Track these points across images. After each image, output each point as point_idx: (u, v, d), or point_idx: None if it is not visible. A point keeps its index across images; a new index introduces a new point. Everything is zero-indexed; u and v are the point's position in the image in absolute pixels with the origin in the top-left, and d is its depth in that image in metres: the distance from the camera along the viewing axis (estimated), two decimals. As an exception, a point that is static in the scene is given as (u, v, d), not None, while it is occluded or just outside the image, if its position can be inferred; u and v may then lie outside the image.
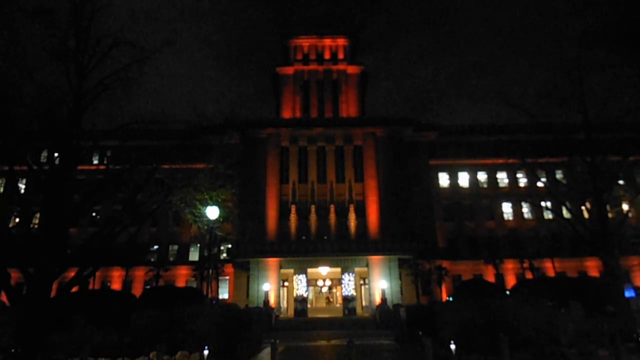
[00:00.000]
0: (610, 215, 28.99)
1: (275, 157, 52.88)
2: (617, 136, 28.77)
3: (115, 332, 20.87)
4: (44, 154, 21.35)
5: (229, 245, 50.33)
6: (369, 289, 45.84)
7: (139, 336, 20.25)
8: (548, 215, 50.36)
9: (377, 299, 43.17)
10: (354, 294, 45.54)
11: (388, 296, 43.10)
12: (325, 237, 48.79)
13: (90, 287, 45.20)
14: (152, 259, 51.08)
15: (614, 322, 21.62)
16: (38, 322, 16.34)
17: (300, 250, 45.84)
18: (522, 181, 55.69)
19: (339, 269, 46.50)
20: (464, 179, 56.57)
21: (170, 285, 46.24)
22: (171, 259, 52.14)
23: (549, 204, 38.96)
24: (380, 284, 44.18)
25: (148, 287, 46.50)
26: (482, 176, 56.56)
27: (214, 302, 33.33)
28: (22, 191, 40.52)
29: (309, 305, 46.07)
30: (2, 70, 17.47)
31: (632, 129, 33.96)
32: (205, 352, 17.30)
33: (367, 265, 46.36)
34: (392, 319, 33.91)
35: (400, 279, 46.74)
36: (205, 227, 24.15)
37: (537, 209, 52.51)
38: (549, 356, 17.50)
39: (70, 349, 18.58)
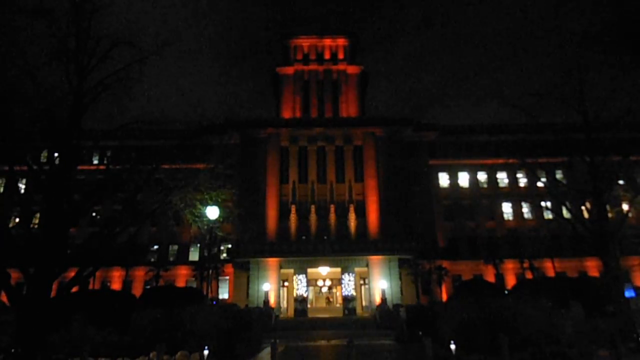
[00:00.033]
0: (610, 215, 28.95)
1: (275, 157, 52.87)
2: (617, 136, 28.72)
3: (115, 332, 20.88)
4: (44, 154, 21.33)
5: (229, 245, 50.33)
6: (369, 289, 45.85)
7: (139, 336, 20.26)
8: (548, 215, 50.33)
9: (377, 299, 43.18)
10: (354, 294, 45.56)
11: (388, 296, 43.12)
12: (325, 237, 48.79)
13: (90, 287, 45.18)
14: (152, 259, 51.10)
15: (614, 322, 21.63)
16: (38, 322, 16.34)
17: (300, 250, 45.84)
18: (522, 181, 55.70)
19: (339, 269, 46.51)
20: (464, 179, 56.57)
21: (170, 285, 46.16)
22: (171, 259, 52.15)
23: (549, 204, 38.93)
24: (380, 284, 44.18)
25: (148, 287, 46.50)
26: (482, 176, 56.56)
27: (214, 302, 33.35)
28: (22, 191, 40.65)
29: (309, 305, 46.10)
30: (2, 70, 17.45)
31: (632, 129, 33.95)
32: (205, 352, 17.31)
33: (367, 265, 46.36)
34: (392, 319, 33.93)
35: (400, 279, 46.75)
36: (205, 227, 24.21)
37: (537, 209, 52.49)
38: (549, 356, 17.50)
39: (70, 349, 18.59)
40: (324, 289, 52.05)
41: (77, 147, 19.49)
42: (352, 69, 58.55)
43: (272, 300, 43.29)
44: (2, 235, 17.29)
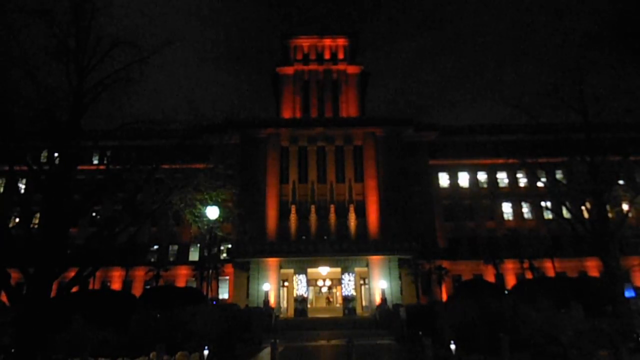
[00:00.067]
0: (610, 215, 28.97)
1: (275, 157, 52.87)
2: (617, 136, 28.76)
3: (115, 332, 20.89)
4: (44, 154, 21.33)
5: (229, 245, 50.32)
6: (369, 289, 45.85)
7: (139, 336, 20.28)
8: (548, 215, 50.34)
9: (377, 299, 43.18)
10: (354, 294, 45.56)
11: (388, 296, 43.11)
12: (325, 237, 48.79)
13: (90, 287, 45.21)
14: (152, 259, 51.09)
15: (614, 322, 21.63)
16: (38, 322, 16.33)
17: (300, 250, 45.84)
18: (522, 181, 55.70)
19: (339, 269, 46.52)
20: (464, 179, 56.57)
21: (170, 285, 46.19)
22: (171, 259, 52.14)
23: (549, 204, 38.95)
24: (380, 284, 44.19)
25: (148, 287, 46.48)
26: (482, 176, 56.55)
27: (214, 302, 33.35)
28: (22, 191, 40.64)
29: (309, 305, 46.11)
30: (2, 70, 17.45)
31: (632, 129, 33.98)
32: (205, 352, 17.32)
33: (367, 265, 46.37)
34: (392, 319, 33.90)
35: (400, 279, 46.76)
36: (205, 227, 24.20)
37: (537, 209, 52.54)
38: (549, 356, 17.51)
39: (70, 349, 18.59)
40: (324, 289, 52.07)
41: (77, 147, 19.49)
42: (352, 69, 58.54)
43: (272, 300, 43.29)
44: (2, 235, 17.29)
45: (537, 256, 47.27)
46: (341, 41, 60.19)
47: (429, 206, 53.90)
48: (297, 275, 46.12)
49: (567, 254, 50.08)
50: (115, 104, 19.76)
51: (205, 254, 41.63)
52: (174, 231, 51.42)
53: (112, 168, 21.19)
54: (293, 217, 50.03)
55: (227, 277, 50.49)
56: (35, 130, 19.20)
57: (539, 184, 38.32)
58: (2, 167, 20.78)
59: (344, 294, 45.46)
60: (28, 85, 17.96)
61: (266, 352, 23.00)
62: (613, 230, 26.42)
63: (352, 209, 50.21)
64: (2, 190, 51.93)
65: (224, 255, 51.81)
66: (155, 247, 52.46)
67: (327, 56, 59.66)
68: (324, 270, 47.04)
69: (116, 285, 49.21)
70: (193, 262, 50.55)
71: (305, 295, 45.53)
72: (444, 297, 46.52)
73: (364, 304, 46.87)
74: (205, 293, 31.69)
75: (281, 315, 42.93)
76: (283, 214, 50.56)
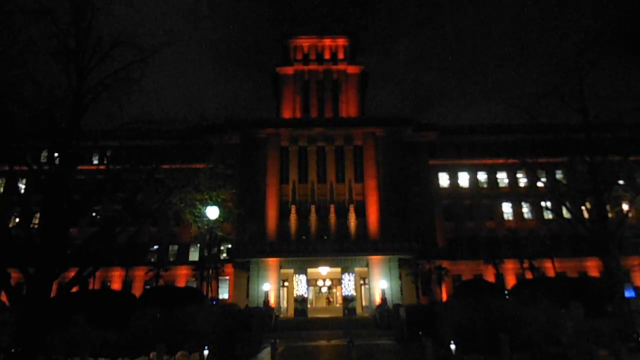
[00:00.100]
0: (610, 215, 28.99)
1: (275, 157, 52.86)
2: (617, 136, 28.77)
3: (115, 332, 20.90)
4: (44, 154, 21.34)
5: (229, 245, 50.31)
6: (369, 289, 45.85)
7: (139, 336, 20.28)
8: (548, 215, 50.37)
9: (377, 299, 43.17)
10: (354, 294, 45.56)
11: (388, 296, 43.10)
12: (325, 237, 48.78)
13: (90, 287, 45.21)
14: (152, 259, 51.07)
15: (614, 322, 21.64)
16: (38, 322, 16.34)
17: (300, 250, 45.83)
18: (522, 181, 55.68)
19: (339, 269, 46.52)
20: (464, 179, 56.55)
21: (170, 285, 46.20)
22: (171, 259, 52.12)
23: (549, 204, 39.02)
24: (380, 284, 44.19)
25: (148, 287, 46.48)
26: (482, 176, 56.54)
27: (214, 302, 33.34)
28: (22, 191, 40.64)
29: (309, 305, 46.09)
30: (2, 70, 17.45)
31: (632, 129, 33.96)
32: (205, 352, 17.33)
33: (367, 265, 46.37)
34: (392, 319, 33.89)
35: (400, 279, 46.76)
36: (205, 227, 24.19)
37: (537, 209, 52.56)
38: (549, 356, 17.51)
39: (70, 349, 18.60)
40: (324, 289, 52.04)
41: (77, 147, 19.49)
42: (352, 69, 58.53)
43: (272, 300, 43.28)
44: (2, 235, 17.30)
45: (537, 256, 47.24)
46: (341, 41, 60.18)
47: (429, 206, 53.89)
48: (297, 275, 46.11)
49: (567, 254, 50.10)
50: (115, 104, 19.78)
51: (205, 254, 41.61)
52: (174, 231, 51.41)
53: (112, 168, 21.21)
54: (293, 217, 50.03)
55: (227, 277, 50.47)
56: (35, 130, 19.22)
57: (539, 184, 38.39)
58: (2, 167, 20.79)
59: (344, 294, 45.45)
60: (28, 85, 17.98)
61: (266, 352, 23.01)
62: (613, 230, 26.41)
63: (352, 209, 50.20)
64: (2, 190, 51.91)
65: (224, 255, 51.80)
66: (155, 247, 52.44)
67: (327, 56, 59.65)
68: (324, 270, 47.03)
69: (116, 285, 49.19)
70: (193, 262, 50.52)
71: (305, 295, 45.52)
72: (444, 297, 46.51)
73: (364, 304, 46.86)
74: (205, 293, 31.69)
75: (281, 315, 42.93)
76: (283, 214, 50.55)
